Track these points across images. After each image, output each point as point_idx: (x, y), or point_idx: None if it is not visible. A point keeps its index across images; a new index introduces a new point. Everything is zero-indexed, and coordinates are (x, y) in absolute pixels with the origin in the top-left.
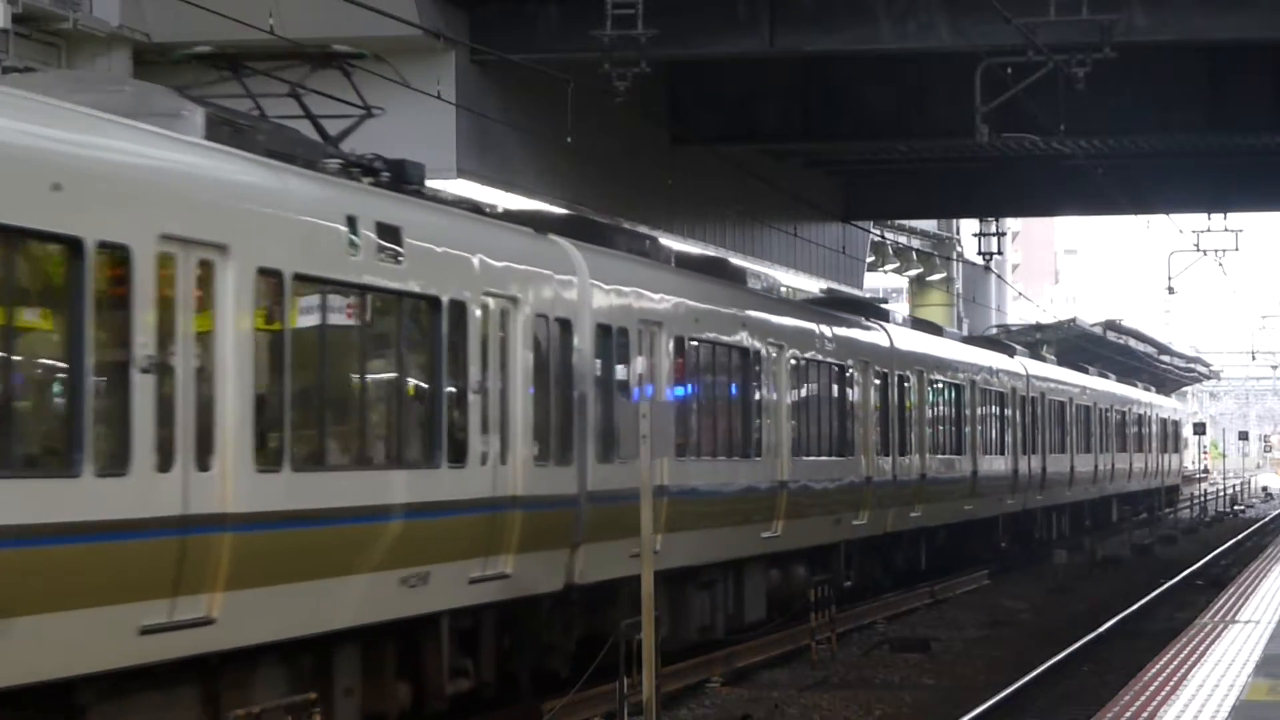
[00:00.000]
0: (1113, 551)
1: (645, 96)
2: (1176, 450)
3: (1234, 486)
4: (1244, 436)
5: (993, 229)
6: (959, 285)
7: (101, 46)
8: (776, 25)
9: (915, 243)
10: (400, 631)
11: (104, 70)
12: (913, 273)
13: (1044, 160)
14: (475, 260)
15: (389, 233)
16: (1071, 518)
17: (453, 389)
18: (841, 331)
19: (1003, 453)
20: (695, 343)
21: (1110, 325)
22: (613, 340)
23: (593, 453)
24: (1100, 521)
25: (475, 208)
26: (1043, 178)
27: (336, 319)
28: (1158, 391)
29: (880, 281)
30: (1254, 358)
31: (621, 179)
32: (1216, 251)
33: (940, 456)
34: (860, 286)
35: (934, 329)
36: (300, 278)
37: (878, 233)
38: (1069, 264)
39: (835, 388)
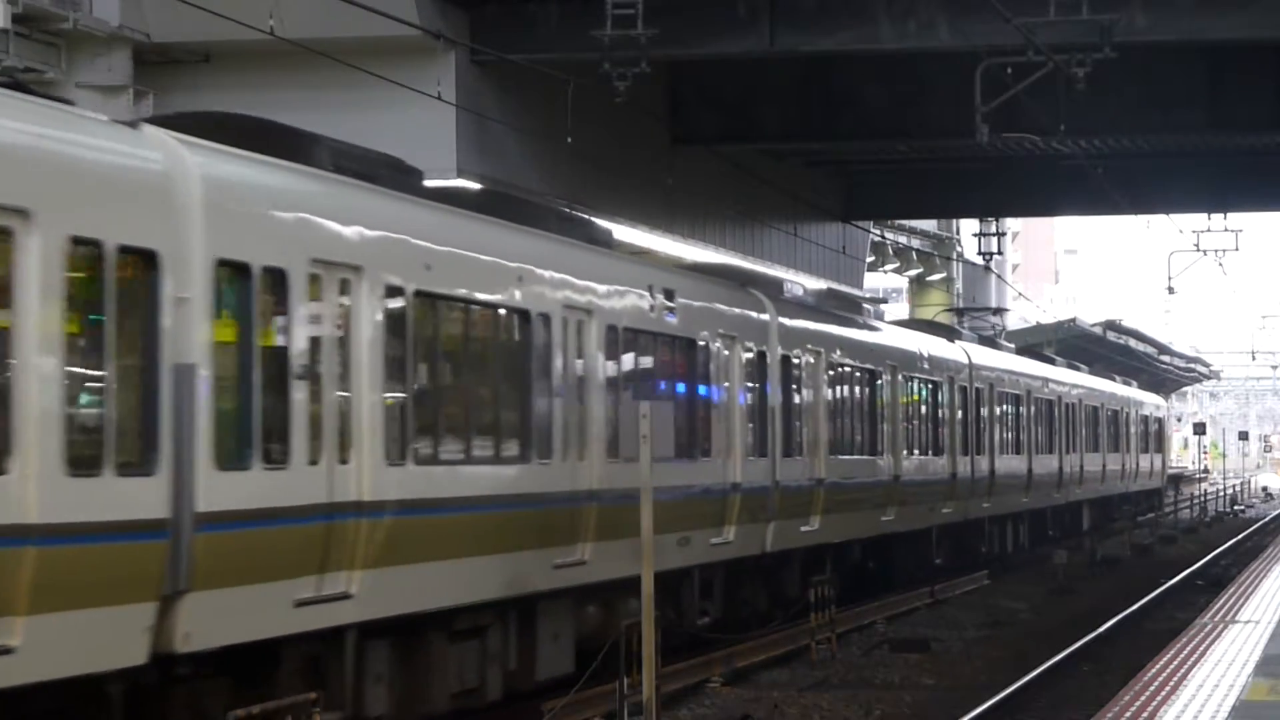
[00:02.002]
0: (1112, 551)
1: (645, 96)
2: (1160, 450)
3: (1234, 486)
4: (1244, 436)
5: (993, 229)
6: (959, 285)
7: (101, 46)
8: (776, 25)
9: (915, 243)
10: None
11: (104, 70)
12: (913, 273)
13: (1044, 160)
14: None
15: None
16: (1031, 527)
17: None
18: (694, 300)
19: (937, 453)
20: (427, 298)
21: (1110, 325)
22: (253, 287)
23: (208, 455)
24: (1068, 530)
25: (16, 85)
26: (1043, 178)
27: None
28: (1140, 387)
29: (880, 281)
30: (1254, 358)
31: (621, 179)
32: (1216, 251)
33: (846, 458)
34: (860, 286)
35: (850, 304)
36: None
37: (878, 233)
38: (1069, 264)
39: (684, 370)
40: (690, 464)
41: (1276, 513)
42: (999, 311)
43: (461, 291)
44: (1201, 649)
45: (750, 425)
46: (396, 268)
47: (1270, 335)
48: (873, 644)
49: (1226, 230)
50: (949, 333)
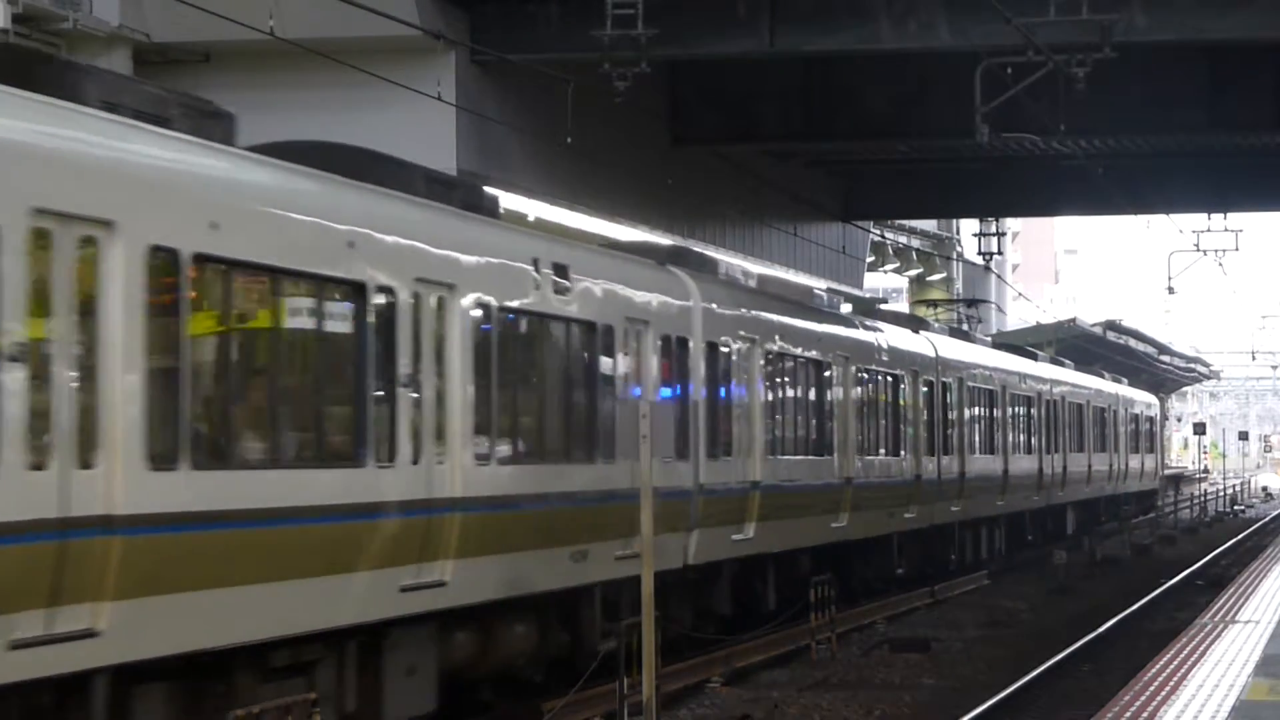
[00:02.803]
0: (1112, 551)
1: (645, 96)
2: (1152, 450)
3: (1234, 486)
4: (1244, 436)
5: (993, 229)
6: (959, 285)
7: (101, 46)
8: (776, 25)
9: (915, 243)
10: None
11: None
12: (913, 273)
13: (1044, 160)
14: None
15: None
16: (1008, 532)
17: None
18: (595, 278)
19: (898, 453)
20: (213, 264)
21: (1110, 325)
22: None
23: None
24: (1050, 535)
25: None
26: (1043, 178)
27: None
28: (1139, 387)
29: (880, 281)
30: (1254, 358)
31: (621, 179)
32: (1216, 251)
33: (787, 458)
34: (860, 286)
35: (795, 289)
36: None
37: (878, 233)
38: (1069, 264)
39: (581, 358)
40: (588, 467)
41: (1276, 513)
42: (975, 303)
43: (265, 258)
44: (1201, 649)
45: (667, 422)
46: (167, 225)
47: (1270, 335)
48: (873, 644)
49: (1226, 230)
50: (914, 323)
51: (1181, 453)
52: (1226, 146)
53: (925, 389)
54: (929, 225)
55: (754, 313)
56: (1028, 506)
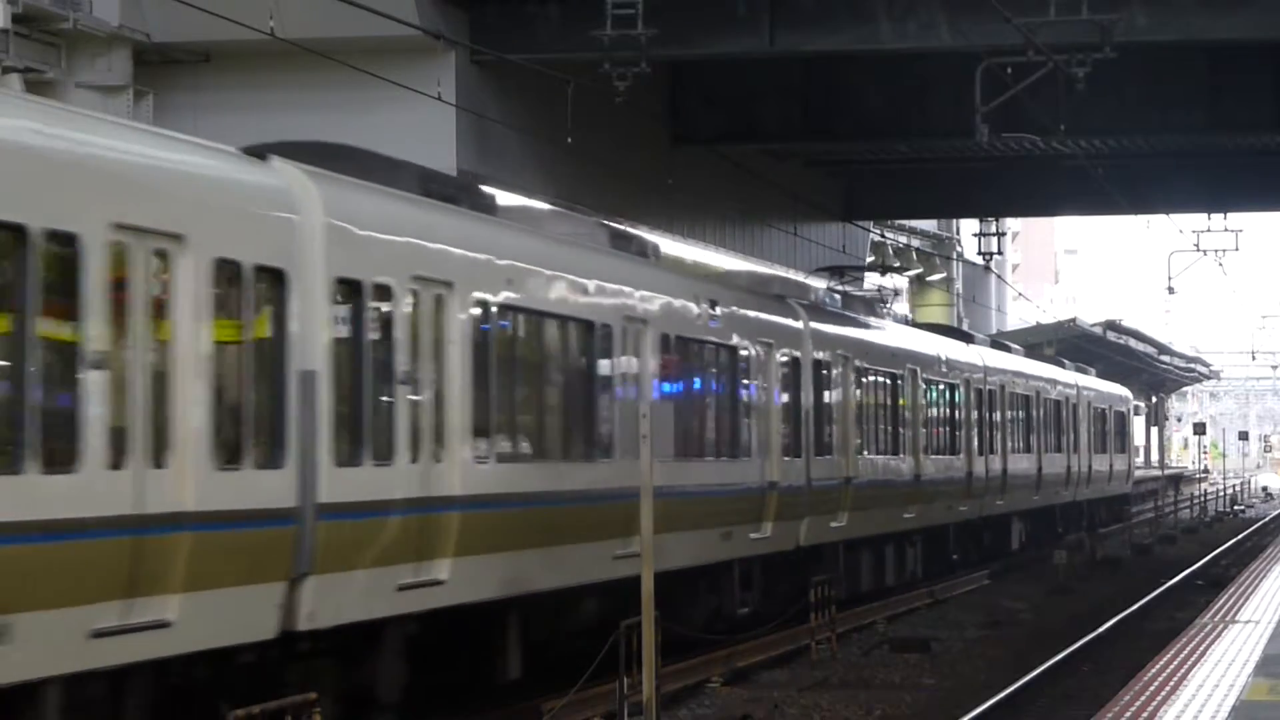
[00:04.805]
0: (1113, 551)
1: (645, 96)
2: (1123, 450)
3: (1234, 486)
4: (1244, 436)
5: (993, 229)
6: (959, 285)
7: (101, 46)
8: (776, 25)
9: (915, 243)
10: None
11: (104, 70)
12: (913, 273)
13: (1044, 160)
14: None
15: None
16: (929, 550)
17: None
18: (20, 161)
19: (736, 453)
20: None
21: (1110, 325)
22: None
23: None
24: (988, 552)
25: None
26: (1043, 178)
27: None
28: (1098, 375)
29: (880, 282)
30: (1254, 358)
31: (621, 179)
32: (1216, 251)
33: (520, 466)
34: (860, 286)
35: (586, 224)
36: None
37: (878, 233)
38: (1069, 264)
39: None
40: (6, 479)
41: (1276, 513)
42: (889, 270)
43: None
44: (1201, 649)
45: (235, 409)
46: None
47: (1270, 335)
48: (873, 644)
49: (1226, 230)
50: (793, 289)
51: (1182, 453)
52: (1226, 146)
53: (787, 370)
54: (929, 225)
55: (453, 245)
56: (952, 519)
